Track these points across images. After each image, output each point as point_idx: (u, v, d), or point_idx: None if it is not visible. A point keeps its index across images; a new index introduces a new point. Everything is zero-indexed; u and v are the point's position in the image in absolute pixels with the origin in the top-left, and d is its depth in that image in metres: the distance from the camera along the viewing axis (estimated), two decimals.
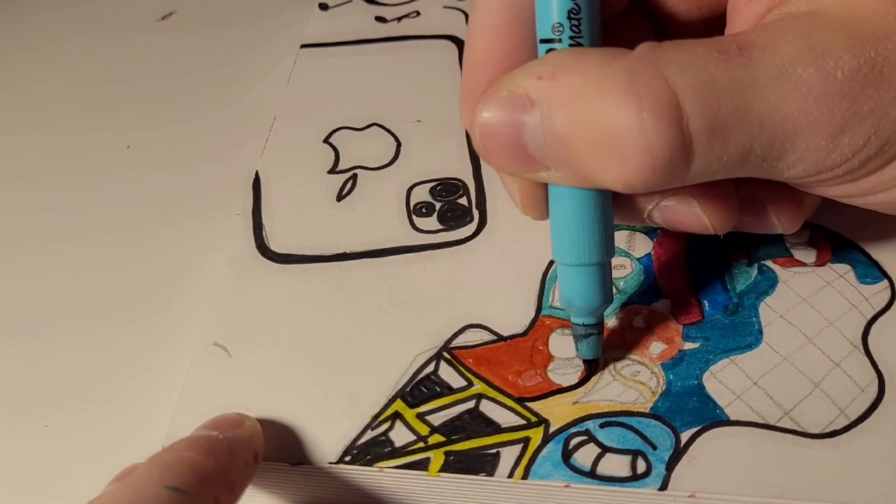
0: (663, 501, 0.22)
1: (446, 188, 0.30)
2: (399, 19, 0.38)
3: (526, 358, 0.25)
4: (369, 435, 0.24)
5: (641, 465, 0.23)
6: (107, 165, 0.37)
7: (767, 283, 0.26)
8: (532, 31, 0.22)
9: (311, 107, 0.34)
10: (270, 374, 0.25)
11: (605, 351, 0.25)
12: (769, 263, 0.27)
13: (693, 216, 0.23)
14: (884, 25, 0.19)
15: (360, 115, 0.33)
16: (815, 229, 0.28)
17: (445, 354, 0.25)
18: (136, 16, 0.44)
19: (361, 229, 0.29)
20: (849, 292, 0.26)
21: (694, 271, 0.27)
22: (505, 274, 0.27)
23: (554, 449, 0.23)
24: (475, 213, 0.29)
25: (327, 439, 0.24)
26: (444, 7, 0.38)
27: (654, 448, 0.23)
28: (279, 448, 0.24)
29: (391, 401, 0.24)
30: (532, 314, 0.26)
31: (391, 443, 0.24)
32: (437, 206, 0.30)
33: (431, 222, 0.29)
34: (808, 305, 0.26)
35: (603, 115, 0.19)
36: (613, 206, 0.23)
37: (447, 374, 0.25)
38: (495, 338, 0.26)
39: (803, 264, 0.27)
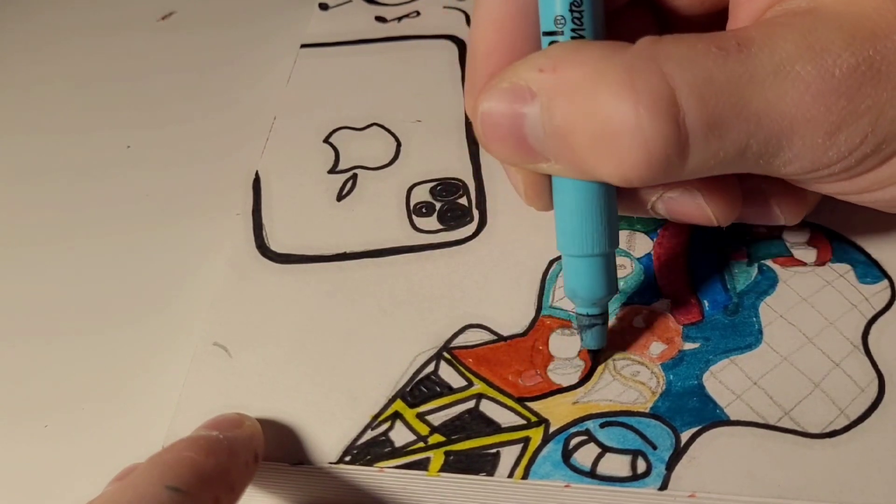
0: (663, 501, 0.22)
1: (446, 188, 0.30)
2: (399, 19, 0.38)
3: (526, 358, 0.25)
4: (369, 435, 0.24)
5: (641, 465, 0.23)
6: (107, 165, 0.37)
7: (767, 283, 0.26)
8: (535, 24, 0.22)
9: (311, 107, 0.34)
10: (270, 374, 0.25)
11: (604, 360, 0.25)
12: (769, 263, 0.27)
13: (696, 208, 0.23)
14: (883, 24, 0.19)
15: (360, 114, 0.33)
16: (816, 229, 0.28)
17: (445, 354, 0.25)
18: (136, 16, 0.44)
19: (361, 229, 0.29)
20: (849, 292, 0.26)
21: (694, 271, 0.27)
22: (505, 274, 0.27)
23: (554, 449, 0.23)
24: (475, 213, 0.29)
25: (327, 439, 0.24)
26: (444, 7, 0.38)
27: (654, 448, 0.23)
28: (279, 448, 0.24)
29: (391, 401, 0.24)
30: (532, 314, 0.26)
31: (391, 443, 0.24)
32: (437, 206, 0.30)
33: (431, 222, 0.29)
34: (808, 305, 0.26)
35: (600, 108, 0.19)
36: (617, 198, 0.23)
37: (447, 373, 0.25)
38: (495, 338, 0.26)
39: (803, 264, 0.27)
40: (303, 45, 0.37)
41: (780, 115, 0.19)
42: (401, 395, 0.25)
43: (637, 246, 0.28)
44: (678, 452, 0.23)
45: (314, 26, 0.38)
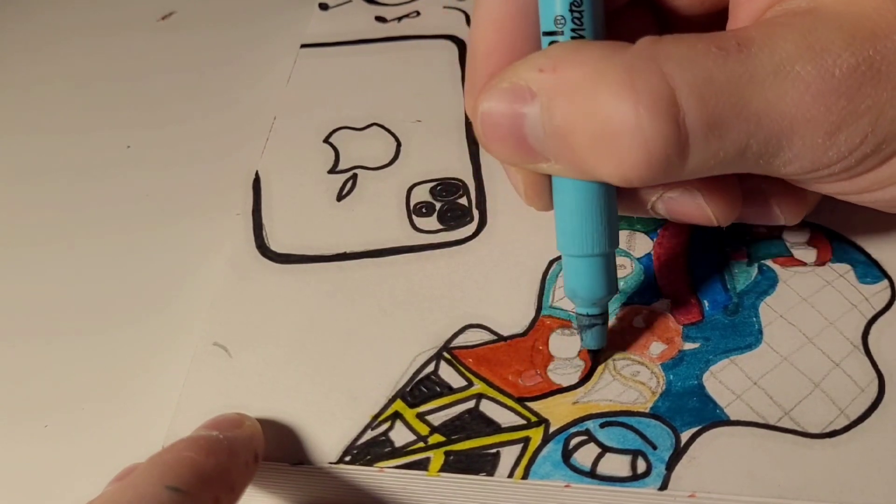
0: (663, 501, 0.22)
1: (446, 188, 0.30)
2: (399, 19, 0.38)
3: (526, 358, 0.25)
4: (369, 435, 0.24)
5: (641, 465, 0.23)
6: (107, 165, 0.37)
7: (768, 283, 0.26)
8: (536, 24, 0.22)
9: (311, 107, 0.34)
10: (270, 374, 0.25)
11: (604, 360, 0.25)
12: (769, 263, 0.27)
13: (697, 208, 0.23)
14: (883, 24, 0.19)
15: (360, 114, 0.33)
16: (816, 229, 0.28)
17: (445, 354, 0.25)
18: (136, 16, 0.44)
19: (361, 229, 0.29)
20: (849, 292, 0.26)
21: (694, 271, 0.27)
22: (505, 274, 0.27)
23: (554, 449, 0.23)
24: (475, 213, 0.29)
25: (327, 439, 0.24)
26: (444, 7, 0.38)
27: (654, 448, 0.23)
28: (279, 448, 0.24)
29: (391, 401, 0.24)
30: (532, 314, 0.26)
31: (391, 443, 0.24)
32: (438, 205, 0.30)
33: (431, 222, 0.29)
34: (808, 305, 0.26)
35: (600, 108, 0.19)
36: (617, 198, 0.23)
37: (447, 373, 0.25)
38: (495, 338, 0.26)
39: (804, 264, 0.27)
40: (303, 45, 0.37)
41: (780, 115, 0.19)
42: (401, 395, 0.25)
43: (637, 246, 0.28)
44: (678, 452, 0.23)
45: (314, 26, 0.38)
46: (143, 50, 0.42)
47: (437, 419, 0.24)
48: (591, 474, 0.22)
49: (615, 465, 0.23)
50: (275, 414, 0.24)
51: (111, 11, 0.45)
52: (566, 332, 0.26)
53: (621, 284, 0.27)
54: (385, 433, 0.24)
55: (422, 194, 0.30)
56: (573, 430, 0.23)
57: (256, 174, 0.31)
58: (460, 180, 0.31)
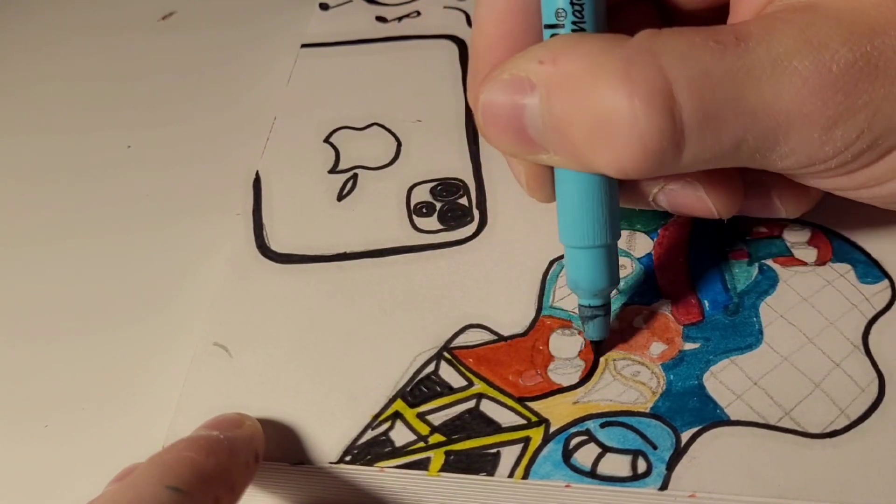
0: (663, 501, 0.22)
1: (447, 188, 0.30)
2: (399, 19, 0.38)
3: (526, 358, 0.25)
4: (370, 435, 0.24)
5: (642, 465, 0.23)
6: (107, 165, 0.37)
7: (768, 283, 0.26)
8: (537, 17, 0.22)
9: (312, 106, 0.34)
10: (270, 374, 0.25)
11: (606, 351, 0.25)
12: (770, 263, 0.27)
13: (698, 200, 0.23)
14: (882, 20, 0.19)
15: (360, 114, 0.33)
16: (816, 228, 0.28)
17: (446, 354, 0.25)
18: (136, 16, 0.44)
19: (362, 229, 0.29)
20: (849, 292, 0.26)
21: (694, 271, 0.27)
22: (505, 274, 0.27)
23: (554, 449, 0.23)
24: (475, 213, 0.29)
25: (327, 439, 0.24)
26: (445, 7, 0.38)
27: (655, 448, 0.23)
28: (279, 448, 0.24)
29: (391, 400, 0.24)
30: (532, 314, 0.26)
31: (391, 442, 0.24)
32: (438, 205, 0.30)
33: (432, 222, 0.29)
34: (808, 305, 0.26)
35: (598, 101, 0.19)
36: (619, 189, 0.23)
37: (447, 373, 0.25)
38: (496, 338, 0.26)
39: (804, 263, 0.27)
40: (303, 45, 0.37)
41: (776, 109, 0.19)
42: (401, 394, 0.25)
43: (637, 246, 0.28)
44: (678, 452, 0.23)
45: (314, 26, 0.38)
46: (143, 50, 0.42)
47: (437, 419, 0.24)
48: (592, 474, 0.22)
49: (615, 465, 0.23)
50: (275, 414, 0.24)
51: (111, 11, 0.45)
52: (566, 332, 0.26)
53: (621, 285, 0.27)
54: (385, 433, 0.24)
55: (422, 194, 0.30)
56: (573, 430, 0.23)
57: (257, 174, 0.31)
58: (461, 180, 0.31)
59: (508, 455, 0.23)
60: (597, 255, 0.23)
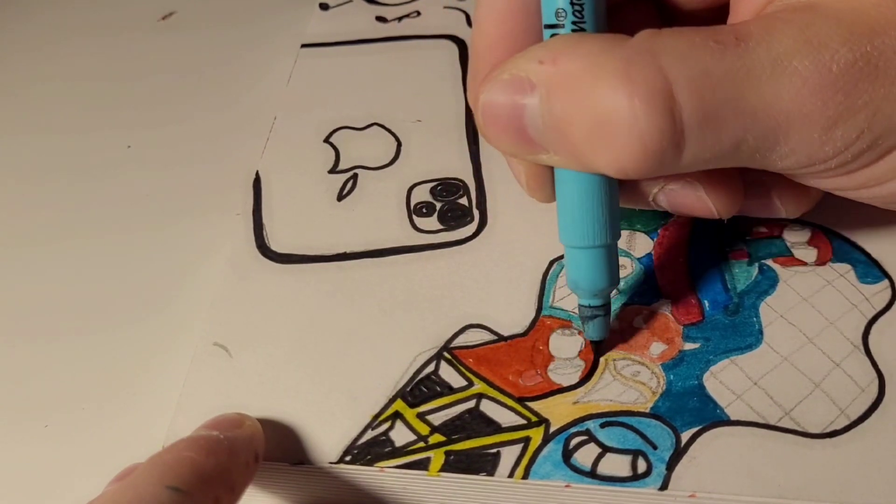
0: (663, 501, 0.22)
1: (447, 188, 0.30)
2: (399, 19, 0.38)
3: (526, 358, 0.25)
4: (370, 435, 0.24)
5: (642, 465, 0.23)
6: (107, 165, 0.37)
7: (768, 283, 0.26)
8: (537, 17, 0.22)
9: (312, 106, 0.34)
10: (270, 374, 0.25)
11: (606, 351, 0.25)
12: (770, 263, 0.27)
13: (698, 200, 0.23)
14: (882, 20, 0.19)
15: (360, 114, 0.33)
16: (816, 228, 0.28)
17: (446, 354, 0.25)
18: (136, 16, 0.44)
19: (362, 229, 0.29)
20: (849, 292, 0.26)
21: (694, 271, 0.27)
22: (505, 274, 0.27)
23: (554, 449, 0.23)
24: (475, 213, 0.29)
25: (327, 439, 0.24)
26: (445, 7, 0.38)
27: (655, 448, 0.23)
28: (279, 448, 0.24)
29: (391, 400, 0.24)
30: (532, 314, 0.26)
31: (391, 442, 0.24)
32: (438, 205, 0.30)
33: (432, 222, 0.29)
34: (808, 305, 0.26)
35: (598, 101, 0.19)
36: (619, 189, 0.23)
37: (447, 373, 0.25)
38: (496, 338, 0.26)
39: (804, 263, 0.27)
40: (303, 45, 0.37)
41: (776, 109, 0.19)
42: (401, 394, 0.25)
43: (637, 246, 0.28)
44: (678, 452, 0.23)
45: (314, 26, 0.38)
46: (143, 50, 0.42)
47: (437, 419, 0.24)
48: (592, 474, 0.22)
49: (615, 465, 0.23)
50: (275, 414, 0.24)
51: (111, 11, 0.45)
52: (566, 332, 0.26)
53: (621, 285, 0.27)
54: (385, 433, 0.24)
55: (422, 194, 0.30)
56: (573, 430, 0.23)
57: (257, 174, 0.31)
58: (461, 180, 0.31)
59: (508, 455, 0.23)
60: (597, 255, 0.23)
